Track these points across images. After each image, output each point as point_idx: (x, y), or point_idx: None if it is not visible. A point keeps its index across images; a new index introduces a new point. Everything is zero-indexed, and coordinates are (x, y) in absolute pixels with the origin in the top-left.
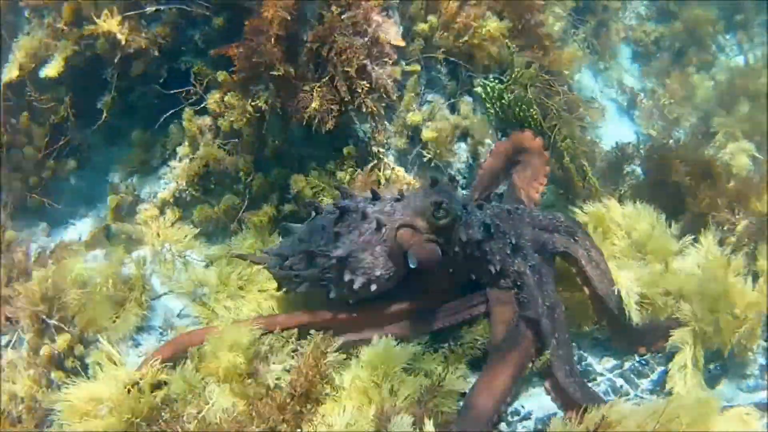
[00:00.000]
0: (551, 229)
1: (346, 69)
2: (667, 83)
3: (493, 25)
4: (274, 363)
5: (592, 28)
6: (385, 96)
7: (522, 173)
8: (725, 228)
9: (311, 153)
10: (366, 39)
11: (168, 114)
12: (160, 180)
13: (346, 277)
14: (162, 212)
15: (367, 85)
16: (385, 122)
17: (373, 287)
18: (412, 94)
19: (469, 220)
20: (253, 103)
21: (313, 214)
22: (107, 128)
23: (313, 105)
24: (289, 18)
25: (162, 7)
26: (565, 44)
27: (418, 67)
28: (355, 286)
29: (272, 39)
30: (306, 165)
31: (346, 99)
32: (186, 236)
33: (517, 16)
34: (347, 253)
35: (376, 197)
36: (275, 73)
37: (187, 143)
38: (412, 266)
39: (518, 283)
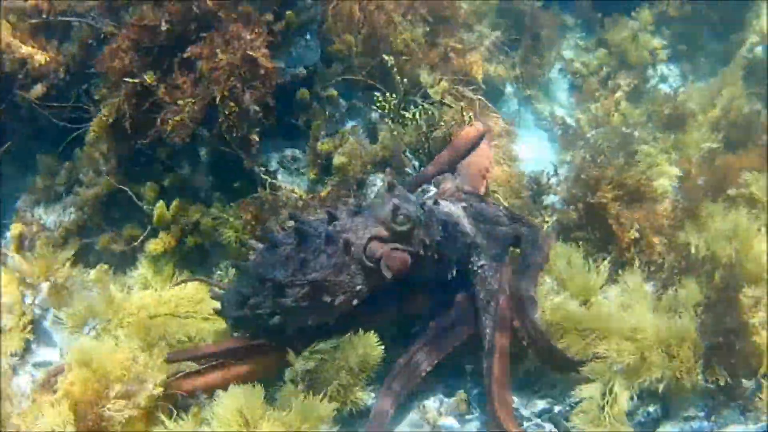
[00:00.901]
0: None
1: (216, 88)
2: (595, 109)
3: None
4: None
5: (523, 56)
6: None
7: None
8: (653, 259)
9: (217, 183)
10: (237, 58)
11: (71, 137)
12: (65, 208)
13: (326, 299)
14: (65, 241)
15: (235, 108)
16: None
17: (355, 301)
18: (320, 122)
19: (428, 221)
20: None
21: (259, 246)
22: (19, 153)
23: (176, 118)
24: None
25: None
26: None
27: (334, 92)
28: (336, 302)
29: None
30: (211, 195)
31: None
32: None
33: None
34: (323, 278)
35: (333, 218)
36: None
37: (91, 169)
38: (387, 277)
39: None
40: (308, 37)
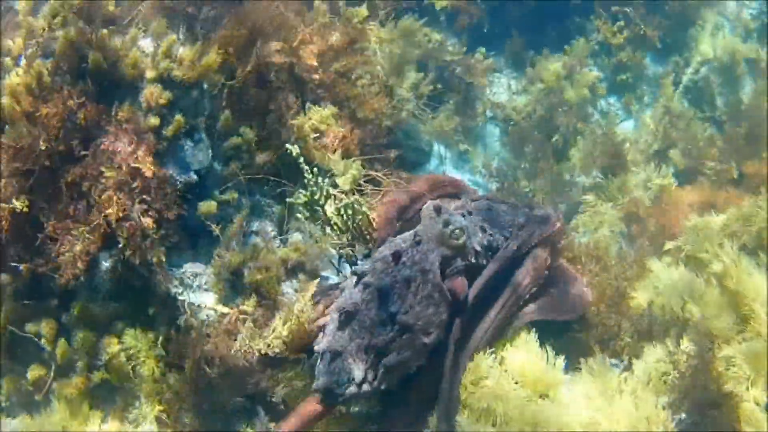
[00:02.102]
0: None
1: (109, 211)
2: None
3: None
4: None
5: (456, 106)
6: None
7: None
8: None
9: (120, 311)
10: (123, 172)
11: None
12: None
13: (424, 340)
14: None
15: (134, 229)
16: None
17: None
18: (234, 230)
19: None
20: None
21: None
22: None
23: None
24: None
25: None
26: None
27: (235, 194)
28: (430, 341)
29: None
30: (115, 325)
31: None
32: None
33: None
34: (416, 319)
35: (397, 257)
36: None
37: None
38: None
39: None
40: (197, 136)
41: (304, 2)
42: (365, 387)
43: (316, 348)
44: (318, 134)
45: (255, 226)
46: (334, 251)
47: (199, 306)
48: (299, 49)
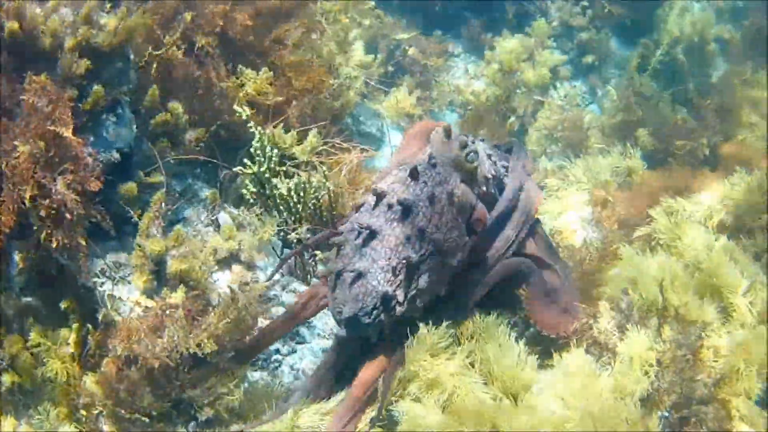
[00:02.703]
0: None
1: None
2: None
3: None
4: None
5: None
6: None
7: None
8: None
9: (32, 306)
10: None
11: None
12: None
13: (450, 261)
14: None
15: (50, 208)
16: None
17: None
18: (152, 215)
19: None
20: None
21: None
22: None
23: None
24: None
25: None
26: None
27: (160, 178)
28: (456, 262)
29: None
30: (24, 322)
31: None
32: None
33: None
34: (444, 238)
35: (415, 175)
36: None
37: None
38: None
39: None
40: (120, 111)
41: None
42: (398, 309)
43: (329, 268)
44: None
45: (186, 212)
46: (276, 239)
47: (120, 299)
48: (234, 11)
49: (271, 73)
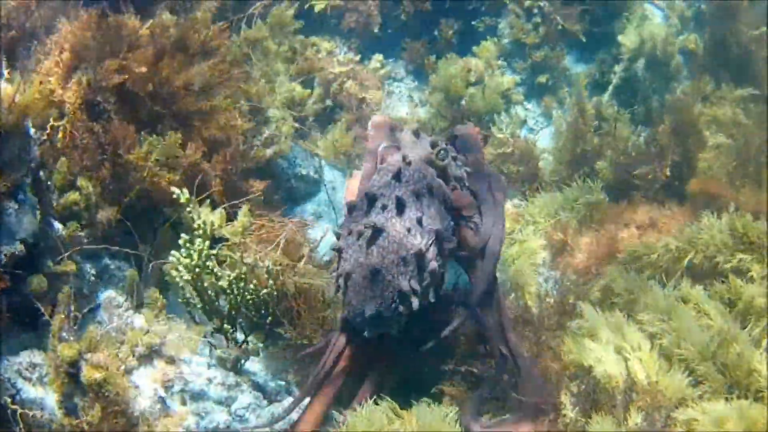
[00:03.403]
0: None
1: None
2: None
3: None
4: None
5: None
6: None
7: None
8: None
9: None
10: None
11: None
12: None
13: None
14: None
15: None
16: None
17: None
18: (62, 317)
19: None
20: None
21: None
22: None
23: None
24: None
25: None
26: None
27: (73, 265)
28: (449, 249)
29: None
30: None
31: None
32: None
33: None
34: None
35: (398, 175)
36: None
37: None
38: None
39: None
40: (21, 196)
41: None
42: (415, 302)
43: (340, 272)
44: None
45: (101, 296)
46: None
47: (34, 414)
48: (130, 59)
49: (179, 135)
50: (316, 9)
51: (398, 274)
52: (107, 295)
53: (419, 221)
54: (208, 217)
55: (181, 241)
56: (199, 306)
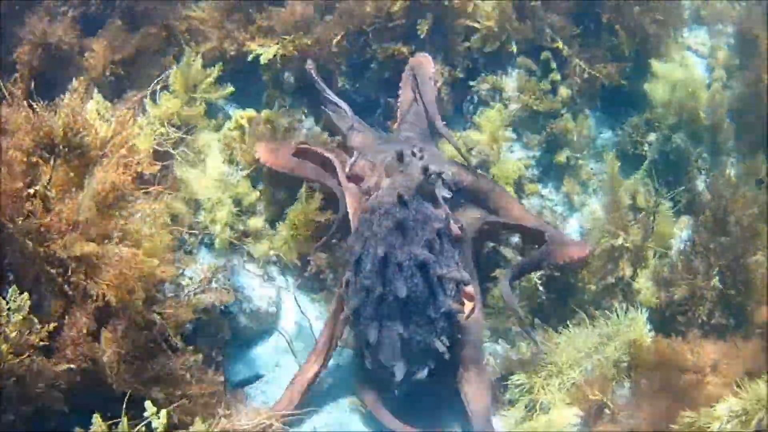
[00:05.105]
0: None
1: None
2: None
3: None
4: None
5: None
6: None
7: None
8: None
9: None
10: None
11: None
12: None
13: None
14: None
15: None
16: None
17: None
18: None
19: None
20: None
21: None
22: None
23: None
24: None
25: None
26: None
27: None
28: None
29: None
30: None
31: None
32: None
33: None
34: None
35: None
36: None
37: None
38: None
39: None
40: None
41: None
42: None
43: (370, 340)
44: None
45: None
46: None
47: None
48: None
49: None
50: (263, 61)
51: (427, 333)
52: None
53: (440, 280)
54: None
55: None
56: None
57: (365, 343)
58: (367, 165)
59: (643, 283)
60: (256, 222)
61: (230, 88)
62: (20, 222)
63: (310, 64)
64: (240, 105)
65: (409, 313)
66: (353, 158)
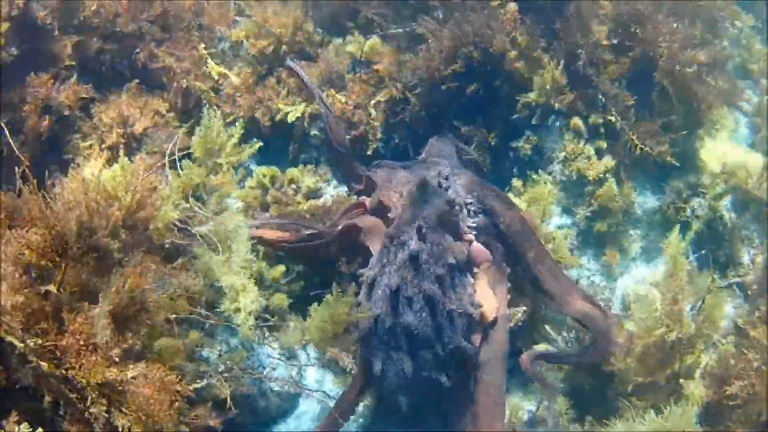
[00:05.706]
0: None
1: None
2: None
3: None
4: None
5: None
6: None
7: None
8: None
9: None
10: None
11: None
12: None
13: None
14: None
15: None
16: None
17: None
18: None
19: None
20: None
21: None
22: None
23: None
24: None
25: None
26: None
27: None
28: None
29: None
30: None
31: None
32: None
33: None
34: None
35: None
36: None
37: None
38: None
39: None
40: None
41: None
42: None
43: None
44: None
45: None
46: None
47: None
48: None
49: None
50: (290, 118)
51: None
52: None
53: (450, 316)
54: None
55: None
56: None
57: (370, 372)
58: (394, 195)
59: (693, 385)
60: (281, 300)
61: (257, 143)
62: (32, 344)
63: (289, 62)
64: (262, 158)
65: (417, 348)
66: (373, 197)
